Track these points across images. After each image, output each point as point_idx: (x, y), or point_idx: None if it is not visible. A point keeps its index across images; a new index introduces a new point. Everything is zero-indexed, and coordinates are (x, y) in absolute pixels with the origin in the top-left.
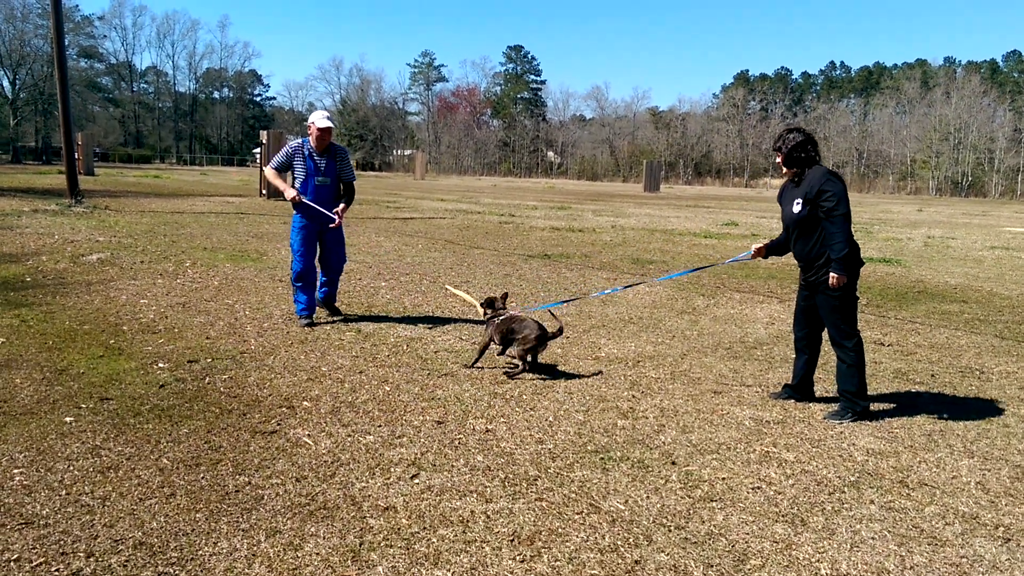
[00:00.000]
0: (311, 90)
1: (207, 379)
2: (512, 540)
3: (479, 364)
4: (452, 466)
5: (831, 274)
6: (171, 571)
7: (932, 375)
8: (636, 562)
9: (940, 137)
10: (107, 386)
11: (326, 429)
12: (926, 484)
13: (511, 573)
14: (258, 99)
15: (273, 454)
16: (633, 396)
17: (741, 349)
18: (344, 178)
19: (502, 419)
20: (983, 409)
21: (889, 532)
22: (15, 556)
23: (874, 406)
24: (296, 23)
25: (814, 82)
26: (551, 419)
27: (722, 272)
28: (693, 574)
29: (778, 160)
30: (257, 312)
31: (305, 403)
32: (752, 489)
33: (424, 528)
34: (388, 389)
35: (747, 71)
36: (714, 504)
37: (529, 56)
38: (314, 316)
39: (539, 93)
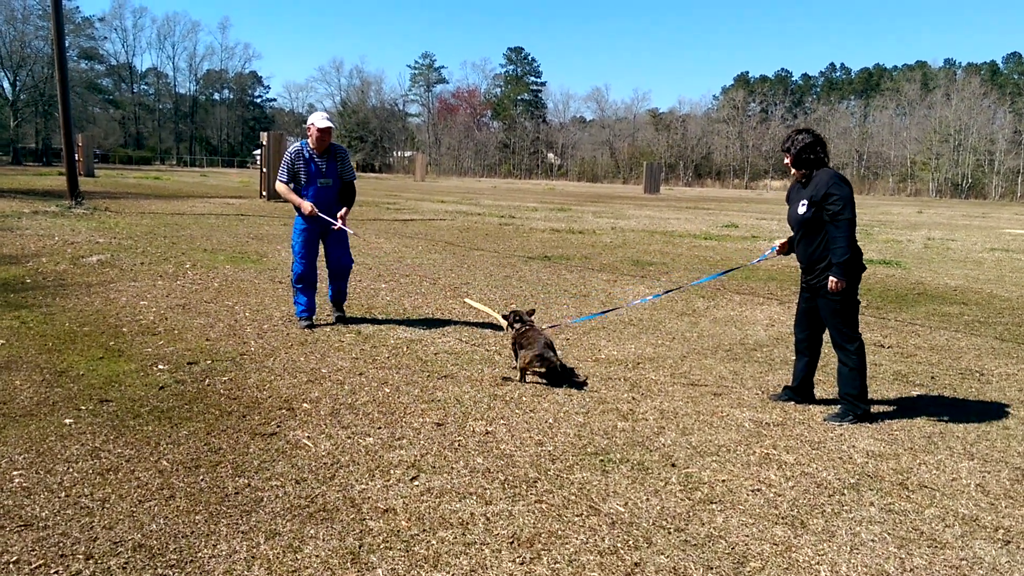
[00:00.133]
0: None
1: (207, 381)
2: (512, 542)
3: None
4: (452, 468)
5: (831, 278)
6: (170, 573)
7: (932, 377)
8: (636, 564)
9: (940, 139)
10: (107, 388)
11: (326, 431)
12: (926, 486)
13: (511, 575)
14: (258, 101)
15: (273, 456)
16: (633, 398)
17: (741, 351)
18: (345, 178)
19: (502, 421)
20: (983, 411)
21: (889, 534)
22: (14, 558)
23: (874, 408)
24: (296, 25)
25: (814, 84)
26: (551, 421)
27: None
28: None
29: (787, 161)
30: (257, 314)
31: (305, 405)
32: (752, 491)
33: (424, 530)
34: (388, 391)
35: (747, 73)
36: (714, 506)
37: (529, 58)
38: (314, 318)
39: (539, 95)
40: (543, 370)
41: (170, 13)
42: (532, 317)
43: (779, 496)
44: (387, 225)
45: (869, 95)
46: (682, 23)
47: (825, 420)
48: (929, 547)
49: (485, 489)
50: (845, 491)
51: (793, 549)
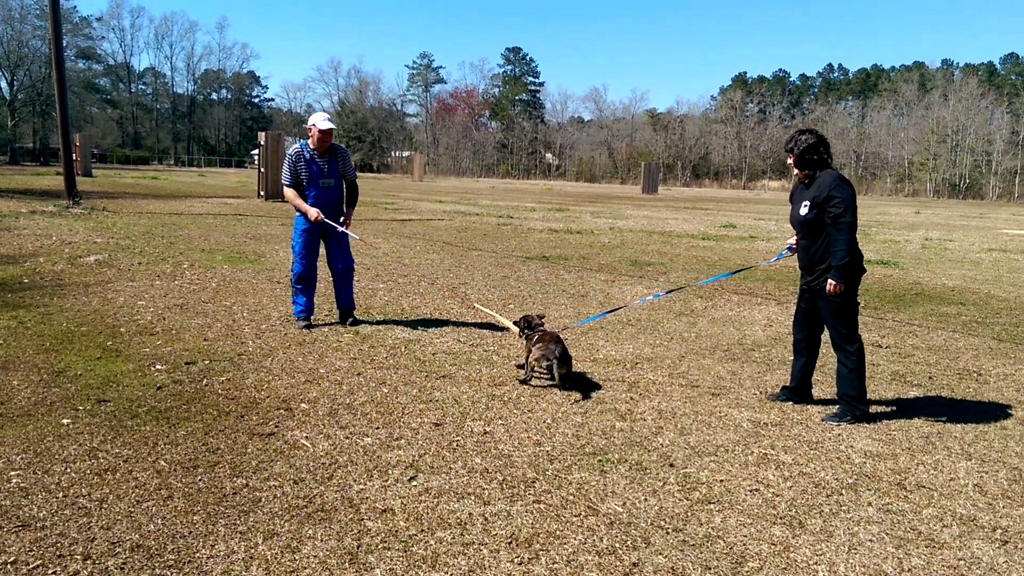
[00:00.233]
0: (309, 91)
1: (205, 381)
2: (510, 542)
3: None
4: (450, 468)
5: (829, 281)
6: (168, 574)
7: (930, 377)
8: (634, 564)
9: (938, 139)
10: (104, 388)
11: (324, 431)
12: (924, 486)
13: (509, 575)
14: (256, 100)
15: (271, 456)
16: (631, 398)
17: (739, 351)
18: (347, 178)
19: (500, 421)
20: (981, 411)
21: (887, 534)
22: (12, 559)
23: (872, 408)
24: (294, 24)
25: (812, 84)
26: (549, 421)
27: (720, 274)
28: None
29: (790, 161)
30: (255, 314)
31: (303, 405)
32: (750, 491)
33: (422, 530)
34: (386, 391)
35: (745, 73)
36: (712, 506)
37: (527, 58)
38: (312, 318)
39: (537, 95)
40: (547, 365)
41: (168, 13)
42: (542, 321)
43: (777, 496)
44: (385, 225)
45: (867, 95)
46: (680, 23)
47: (823, 420)
48: (927, 547)
49: (483, 489)
50: (843, 491)
51: (791, 549)
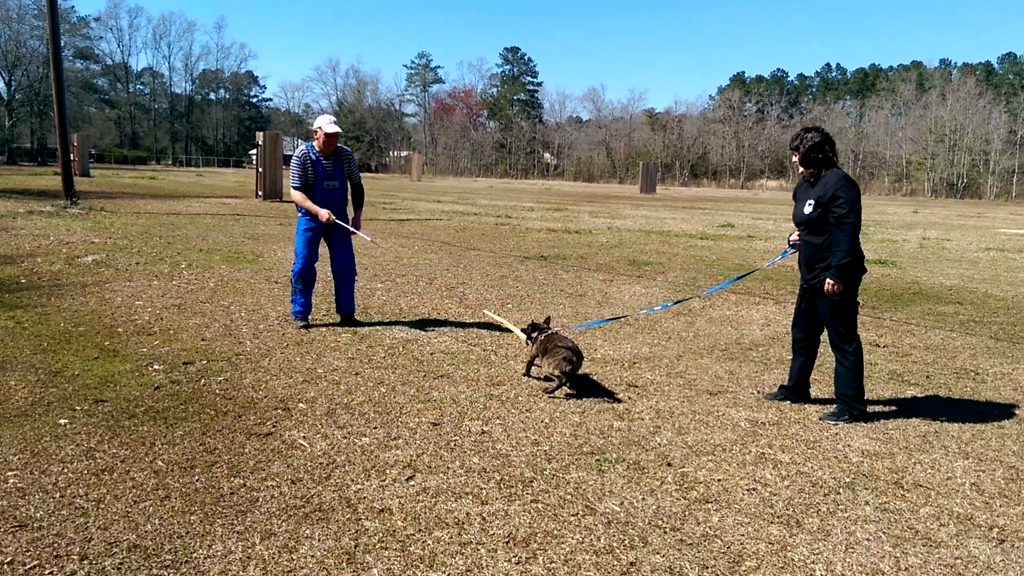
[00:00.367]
0: (307, 91)
1: (202, 381)
2: (508, 542)
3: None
4: (448, 468)
5: (827, 280)
6: (165, 574)
7: (927, 376)
8: (632, 564)
9: (936, 139)
10: (102, 388)
11: (321, 431)
12: (921, 485)
13: (507, 575)
14: (254, 100)
15: (268, 456)
16: (629, 398)
17: (737, 351)
18: (352, 180)
19: (498, 421)
20: (978, 411)
21: (884, 533)
22: (8, 559)
23: (869, 407)
24: (292, 24)
25: (810, 84)
26: (547, 421)
27: (718, 274)
28: None
29: (795, 159)
30: (253, 314)
31: (301, 405)
32: (747, 491)
33: (419, 530)
34: (384, 391)
35: (743, 73)
36: (709, 506)
37: (526, 58)
38: (310, 318)
39: (536, 95)
40: (565, 374)
41: (166, 13)
42: (549, 324)
43: (775, 495)
44: (383, 225)
45: (865, 95)
46: (678, 23)
47: (821, 419)
48: (924, 546)
49: (481, 489)
50: (840, 490)
51: (788, 548)
